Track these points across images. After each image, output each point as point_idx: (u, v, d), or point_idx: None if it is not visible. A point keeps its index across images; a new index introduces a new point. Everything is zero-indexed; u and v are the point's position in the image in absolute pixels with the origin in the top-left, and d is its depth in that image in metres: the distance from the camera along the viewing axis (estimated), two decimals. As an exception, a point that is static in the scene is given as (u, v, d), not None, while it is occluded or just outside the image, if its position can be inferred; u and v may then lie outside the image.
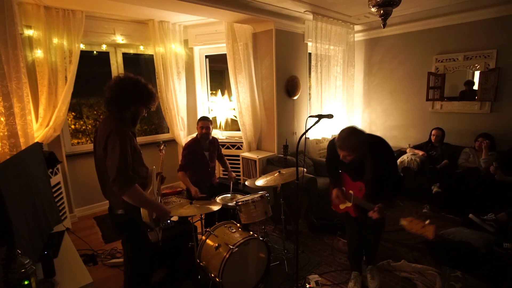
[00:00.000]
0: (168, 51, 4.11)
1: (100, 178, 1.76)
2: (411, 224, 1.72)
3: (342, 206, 2.29)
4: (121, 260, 2.76)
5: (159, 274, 2.43)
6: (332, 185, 2.36)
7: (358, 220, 2.28)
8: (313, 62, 4.30)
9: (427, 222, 1.65)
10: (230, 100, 4.52)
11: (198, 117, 4.60)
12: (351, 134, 1.94)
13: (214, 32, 4.26)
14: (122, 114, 1.70)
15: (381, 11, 2.72)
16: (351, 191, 2.19)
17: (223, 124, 4.68)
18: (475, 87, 4.01)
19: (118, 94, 1.66)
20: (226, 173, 3.21)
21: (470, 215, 3.06)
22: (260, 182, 2.58)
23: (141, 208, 1.78)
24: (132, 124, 1.78)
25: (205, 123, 2.99)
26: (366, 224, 2.27)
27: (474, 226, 2.97)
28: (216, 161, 3.28)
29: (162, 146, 2.54)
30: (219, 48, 4.38)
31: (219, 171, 4.39)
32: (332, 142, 2.26)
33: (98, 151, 1.69)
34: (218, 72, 4.96)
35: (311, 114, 2.58)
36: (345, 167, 2.22)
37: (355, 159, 2.01)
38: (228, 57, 4.06)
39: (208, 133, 3.01)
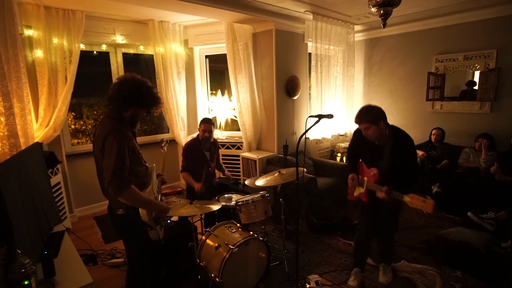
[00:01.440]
0: (168, 51, 4.11)
1: (100, 177, 1.75)
2: (413, 199, 1.83)
3: (356, 193, 2.32)
4: (121, 260, 2.76)
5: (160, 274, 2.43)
6: (350, 173, 2.41)
7: (371, 213, 2.30)
8: (313, 62, 4.30)
9: (427, 197, 1.77)
10: (230, 100, 4.52)
11: (199, 117, 4.64)
12: (365, 108, 2.11)
13: (214, 32, 4.26)
14: (121, 114, 1.69)
15: (381, 11, 2.72)
16: (365, 178, 2.23)
17: (223, 124, 4.68)
18: (476, 87, 4.01)
19: (118, 93, 1.64)
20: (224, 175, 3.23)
21: (469, 213, 3.07)
22: (260, 182, 2.58)
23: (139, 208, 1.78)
24: (131, 125, 1.77)
25: (208, 127, 2.98)
26: (379, 221, 2.31)
27: (474, 226, 2.97)
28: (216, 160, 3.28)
29: (164, 143, 2.49)
30: (219, 48, 4.38)
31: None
32: (357, 130, 2.29)
33: (95, 151, 1.69)
34: (218, 72, 4.96)
35: (311, 114, 2.58)
36: (364, 154, 2.27)
37: (377, 141, 2.11)
38: (228, 57, 4.06)
39: (210, 136, 3.01)
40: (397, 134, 2.10)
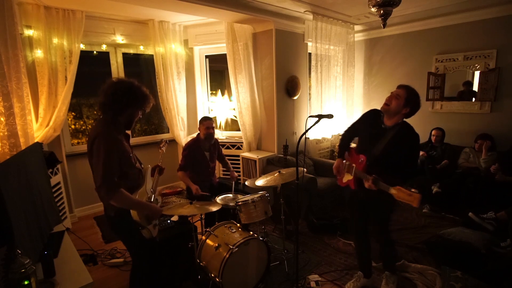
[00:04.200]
0: (168, 51, 4.11)
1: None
2: (399, 192, 1.75)
3: (345, 179, 2.24)
4: (121, 260, 2.76)
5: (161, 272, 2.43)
6: (337, 158, 2.33)
7: (360, 209, 2.25)
8: (313, 62, 4.30)
9: (413, 190, 1.68)
10: (230, 100, 4.52)
11: (198, 117, 4.63)
12: (415, 91, 2.09)
13: (214, 32, 4.26)
14: (116, 118, 1.71)
15: (381, 11, 2.73)
16: (353, 164, 2.16)
17: (223, 124, 4.68)
18: (474, 87, 4.01)
19: (114, 99, 1.65)
20: (228, 172, 3.22)
21: (470, 214, 3.07)
22: (260, 182, 2.58)
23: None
24: (126, 127, 1.79)
25: (210, 123, 3.01)
26: (370, 218, 2.25)
27: (474, 226, 2.97)
28: (216, 161, 3.28)
29: (163, 144, 2.45)
30: (219, 48, 4.38)
31: (219, 171, 4.39)
32: (370, 112, 2.24)
33: (88, 153, 1.71)
34: (218, 72, 4.96)
35: (311, 114, 2.58)
36: (365, 136, 2.18)
37: (386, 121, 2.05)
38: (228, 57, 4.06)
39: (213, 132, 3.04)
40: (406, 127, 2.04)
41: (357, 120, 2.32)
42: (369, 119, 2.19)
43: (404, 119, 2.07)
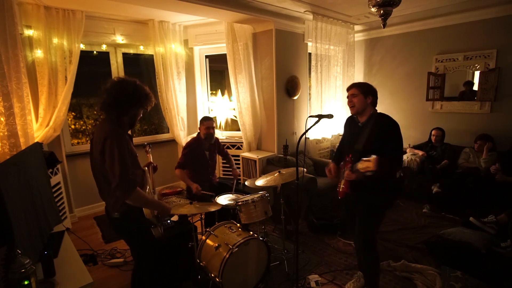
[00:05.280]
0: (168, 51, 4.11)
1: (97, 180, 1.76)
2: (361, 164, 1.81)
3: (341, 188, 2.21)
4: (121, 260, 2.76)
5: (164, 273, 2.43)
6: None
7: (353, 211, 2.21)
8: (313, 62, 4.30)
9: (372, 155, 1.74)
10: (230, 100, 4.52)
11: (199, 117, 4.64)
12: (362, 82, 2.17)
13: (214, 32, 4.26)
14: (120, 118, 1.69)
15: (381, 11, 2.73)
16: (346, 167, 2.13)
17: (223, 124, 4.69)
18: (475, 87, 4.01)
19: (119, 99, 1.63)
20: (229, 171, 3.21)
21: (471, 219, 3.03)
22: (260, 182, 2.58)
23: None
24: (129, 127, 1.78)
25: (210, 123, 3.03)
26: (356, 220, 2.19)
27: (474, 226, 2.97)
28: (217, 159, 3.28)
29: (148, 148, 2.46)
30: (219, 48, 4.38)
31: (219, 170, 4.40)
32: (347, 119, 2.33)
33: (95, 154, 1.67)
34: (218, 72, 4.96)
35: (311, 114, 2.58)
36: (347, 140, 2.23)
37: (360, 119, 2.10)
38: (228, 57, 4.06)
39: (213, 133, 3.06)
40: (381, 117, 2.06)
41: (344, 130, 2.39)
42: (348, 124, 2.27)
43: (377, 111, 2.12)
